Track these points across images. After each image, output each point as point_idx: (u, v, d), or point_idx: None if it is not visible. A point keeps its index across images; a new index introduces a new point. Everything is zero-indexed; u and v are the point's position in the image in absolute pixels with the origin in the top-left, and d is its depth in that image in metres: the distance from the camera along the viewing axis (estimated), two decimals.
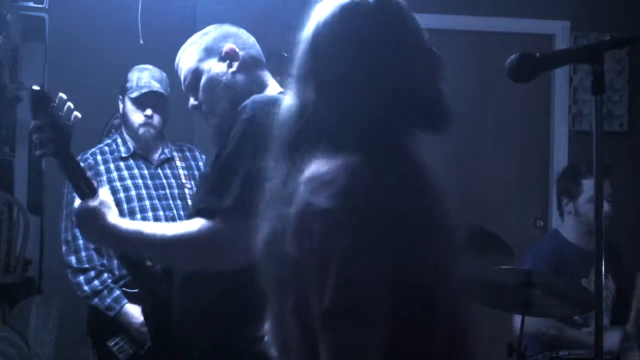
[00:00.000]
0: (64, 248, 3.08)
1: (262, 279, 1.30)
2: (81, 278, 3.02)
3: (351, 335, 1.15)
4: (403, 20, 1.33)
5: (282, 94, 2.02)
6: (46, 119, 1.85)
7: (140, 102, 3.11)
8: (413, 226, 1.21)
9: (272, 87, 2.08)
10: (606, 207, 1.38)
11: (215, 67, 2.04)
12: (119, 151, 3.15)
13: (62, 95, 1.88)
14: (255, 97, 1.88)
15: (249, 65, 2.06)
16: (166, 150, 3.22)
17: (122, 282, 3.00)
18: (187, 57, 2.07)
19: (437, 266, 1.23)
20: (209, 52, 2.05)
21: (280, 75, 2.14)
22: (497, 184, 4.57)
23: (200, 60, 2.05)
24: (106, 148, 3.17)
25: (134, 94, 3.10)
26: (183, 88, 2.11)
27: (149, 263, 2.05)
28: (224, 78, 2.03)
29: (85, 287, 3.01)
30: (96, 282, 3.00)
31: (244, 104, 1.86)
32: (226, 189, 1.77)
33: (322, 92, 1.29)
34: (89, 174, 2.02)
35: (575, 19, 4.65)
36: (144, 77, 3.13)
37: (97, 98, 3.66)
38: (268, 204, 1.30)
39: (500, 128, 4.66)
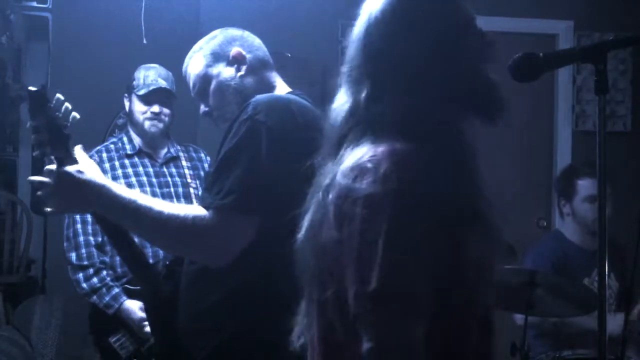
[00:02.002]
0: (65, 244, 3.09)
1: (299, 271, 1.30)
2: (80, 275, 3.03)
3: (395, 317, 1.14)
4: (452, 7, 1.34)
5: (290, 94, 2.03)
6: (43, 119, 1.83)
7: (148, 99, 3.12)
8: (459, 213, 1.21)
9: (280, 88, 2.07)
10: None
11: (224, 72, 2.04)
12: (125, 149, 3.16)
13: (60, 95, 1.86)
14: (258, 97, 1.88)
15: (257, 68, 2.06)
16: (172, 149, 3.23)
17: (124, 280, 3.00)
18: (195, 63, 2.07)
19: (480, 258, 1.23)
20: (217, 57, 2.05)
21: (285, 75, 2.14)
22: (500, 183, 4.52)
23: (208, 65, 2.05)
24: (112, 146, 3.17)
25: (142, 92, 3.11)
26: (192, 94, 2.10)
27: (151, 261, 2.04)
28: (232, 83, 2.03)
29: (84, 285, 3.01)
30: (95, 280, 3.01)
31: (246, 103, 1.86)
32: (221, 187, 1.76)
33: (375, 88, 1.29)
34: None
35: (579, 18, 4.65)
36: (151, 75, 3.14)
37: (100, 98, 3.67)
38: (311, 197, 1.30)
39: (503, 127, 4.65)
